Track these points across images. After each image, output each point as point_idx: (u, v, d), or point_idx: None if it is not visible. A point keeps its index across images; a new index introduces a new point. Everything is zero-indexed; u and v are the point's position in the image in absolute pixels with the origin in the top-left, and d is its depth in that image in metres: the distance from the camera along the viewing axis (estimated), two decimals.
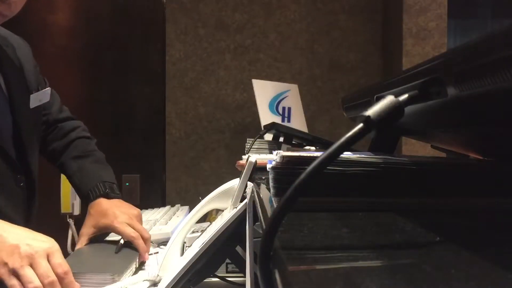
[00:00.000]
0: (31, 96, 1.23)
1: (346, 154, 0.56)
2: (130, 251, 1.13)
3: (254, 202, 0.75)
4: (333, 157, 0.38)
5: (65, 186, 2.10)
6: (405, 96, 0.45)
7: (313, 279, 0.34)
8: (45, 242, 0.90)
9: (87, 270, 0.99)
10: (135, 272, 1.08)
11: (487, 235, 0.46)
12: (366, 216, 0.53)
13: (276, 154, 0.57)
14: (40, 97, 1.26)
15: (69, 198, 2.15)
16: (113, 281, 0.96)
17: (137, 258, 1.11)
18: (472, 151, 0.70)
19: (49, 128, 1.39)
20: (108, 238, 1.25)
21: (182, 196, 2.76)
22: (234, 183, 0.96)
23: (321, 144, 1.52)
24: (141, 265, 1.13)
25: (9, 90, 1.18)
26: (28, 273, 0.84)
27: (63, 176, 1.49)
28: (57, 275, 0.86)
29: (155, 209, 1.77)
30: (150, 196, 2.73)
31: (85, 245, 1.19)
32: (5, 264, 0.84)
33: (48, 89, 1.29)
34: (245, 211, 0.78)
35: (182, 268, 0.83)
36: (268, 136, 1.73)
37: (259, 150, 1.59)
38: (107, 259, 1.07)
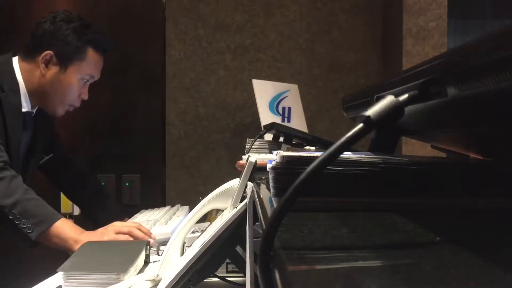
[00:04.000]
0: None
1: (346, 154, 0.56)
2: (133, 249, 1.12)
3: (254, 202, 0.75)
4: (333, 157, 0.38)
5: None
6: (405, 96, 0.45)
7: (313, 279, 0.34)
8: None
9: (91, 269, 0.99)
10: (141, 270, 1.07)
11: (487, 235, 0.46)
12: (366, 216, 0.53)
13: (276, 154, 0.57)
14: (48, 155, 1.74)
15: None
16: (118, 280, 0.96)
17: (142, 254, 1.11)
18: (472, 151, 0.70)
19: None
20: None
21: (182, 196, 2.75)
22: (234, 183, 0.96)
23: (321, 144, 1.52)
24: (146, 263, 1.13)
25: (32, 148, 1.65)
26: None
27: None
28: None
29: (155, 209, 1.77)
30: (150, 196, 2.72)
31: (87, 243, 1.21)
32: None
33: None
34: (245, 211, 0.78)
35: (182, 268, 0.83)
36: (268, 136, 1.73)
37: (259, 150, 1.59)
38: (111, 258, 1.07)
